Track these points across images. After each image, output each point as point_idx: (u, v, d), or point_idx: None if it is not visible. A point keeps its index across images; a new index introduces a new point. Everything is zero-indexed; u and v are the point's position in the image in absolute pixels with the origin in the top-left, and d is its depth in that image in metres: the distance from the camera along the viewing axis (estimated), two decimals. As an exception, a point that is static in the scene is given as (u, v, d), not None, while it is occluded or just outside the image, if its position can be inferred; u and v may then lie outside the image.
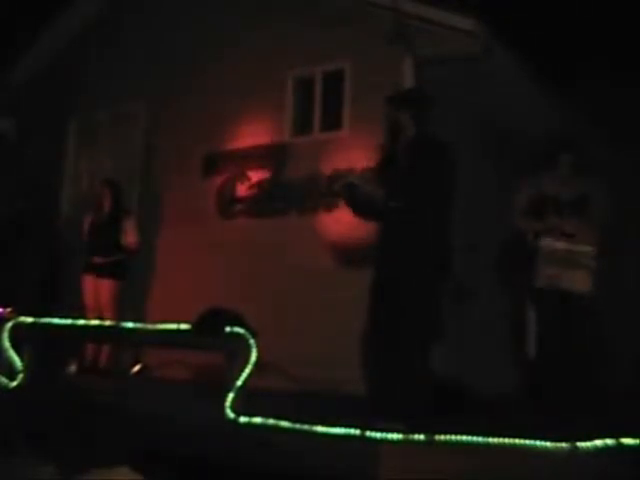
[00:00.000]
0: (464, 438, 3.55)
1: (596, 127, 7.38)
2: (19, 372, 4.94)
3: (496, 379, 5.96)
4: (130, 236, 6.63)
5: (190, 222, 7.13)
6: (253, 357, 4.19)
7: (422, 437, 3.55)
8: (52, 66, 8.61)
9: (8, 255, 6.98)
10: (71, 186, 8.51)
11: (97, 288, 6.58)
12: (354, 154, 6.23)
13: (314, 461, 3.61)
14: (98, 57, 8.23)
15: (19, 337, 5.05)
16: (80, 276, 6.72)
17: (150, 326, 4.97)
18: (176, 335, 4.49)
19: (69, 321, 5.07)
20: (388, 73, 6.12)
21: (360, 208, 4.36)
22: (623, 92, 7.84)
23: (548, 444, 3.54)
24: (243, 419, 3.99)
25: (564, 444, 3.55)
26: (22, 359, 4.99)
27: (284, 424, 3.84)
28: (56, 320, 5.09)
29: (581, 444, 3.56)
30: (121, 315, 6.22)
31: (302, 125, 6.91)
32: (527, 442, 3.54)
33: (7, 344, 4.98)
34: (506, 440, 3.54)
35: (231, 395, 4.08)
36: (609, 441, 3.62)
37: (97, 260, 6.59)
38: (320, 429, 3.70)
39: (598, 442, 3.60)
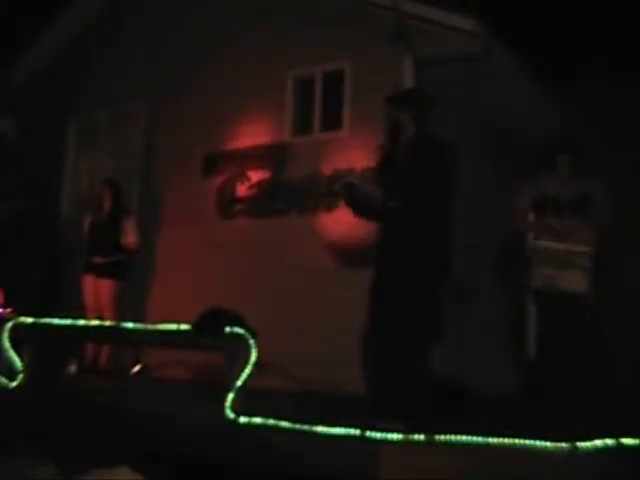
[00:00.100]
0: (464, 438, 3.55)
1: (596, 127, 7.38)
2: (19, 372, 4.94)
3: (496, 379, 5.96)
4: (130, 236, 6.63)
5: (190, 222, 7.13)
6: (253, 357, 4.18)
7: (422, 437, 3.55)
8: (52, 66, 8.61)
9: (8, 255, 6.97)
10: (71, 186, 8.51)
11: (97, 288, 6.58)
12: (354, 154, 6.23)
13: (314, 461, 3.61)
14: (98, 57, 8.22)
15: (19, 337, 5.05)
16: (80, 276, 6.72)
17: (150, 326, 4.97)
18: (176, 335, 4.49)
19: (69, 321, 5.07)
20: (388, 73, 6.12)
21: (360, 208, 4.36)
22: (623, 92, 7.83)
23: (548, 444, 3.54)
24: (243, 419, 3.99)
25: (564, 444, 3.55)
26: (22, 359, 4.99)
27: (284, 424, 3.84)
28: (56, 320, 5.09)
29: (581, 444, 3.56)
30: (121, 315, 6.21)
31: (302, 125, 6.91)
32: (527, 442, 3.54)
33: (7, 344, 4.99)
34: (506, 440, 3.54)
35: (231, 395, 4.08)
36: (609, 441, 3.62)
37: (97, 260, 6.59)
38: (320, 429, 3.70)
39: (598, 442, 3.60)
